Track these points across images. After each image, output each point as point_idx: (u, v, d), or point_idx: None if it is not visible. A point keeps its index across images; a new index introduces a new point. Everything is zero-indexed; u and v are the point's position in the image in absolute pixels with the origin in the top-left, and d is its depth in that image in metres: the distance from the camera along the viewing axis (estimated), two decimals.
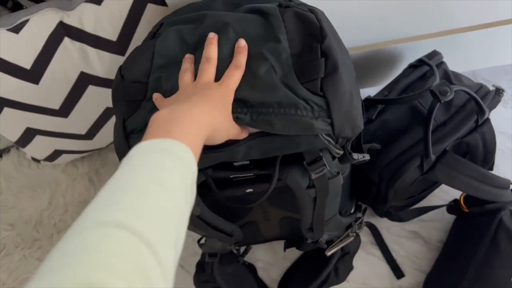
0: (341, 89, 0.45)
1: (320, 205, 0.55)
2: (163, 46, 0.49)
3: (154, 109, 0.46)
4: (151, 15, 0.72)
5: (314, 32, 0.46)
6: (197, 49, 0.48)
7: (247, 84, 0.45)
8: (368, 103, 0.70)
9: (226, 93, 0.44)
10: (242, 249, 0.82)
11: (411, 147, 0.64)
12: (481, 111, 0.63)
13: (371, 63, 0.82)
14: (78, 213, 0.96)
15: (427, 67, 0.70)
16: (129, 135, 0.48)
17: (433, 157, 0.62)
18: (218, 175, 0.51)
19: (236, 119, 0.45)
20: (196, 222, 0.55)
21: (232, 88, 0.45)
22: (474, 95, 0.62)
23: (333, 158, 0.51)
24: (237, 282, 0.81)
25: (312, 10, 0.48)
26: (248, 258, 0.90)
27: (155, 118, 0.38)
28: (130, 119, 0.48)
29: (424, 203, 0.86)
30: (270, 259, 0.91)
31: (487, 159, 0.71)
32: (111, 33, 0.72)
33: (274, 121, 0.44)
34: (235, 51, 0.46)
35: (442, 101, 0.58)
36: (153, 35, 0.54)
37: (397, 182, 0.64)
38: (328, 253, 0.72)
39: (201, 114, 0.39)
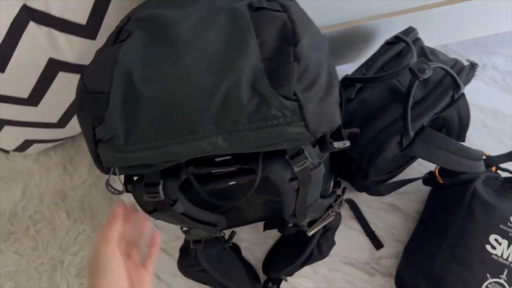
0: (315, 89, 0.44)
1: (302, 194, 0.56)
2: (126, 56, 0.46)
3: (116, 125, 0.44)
4: None
5: (287, 35, 0.44)
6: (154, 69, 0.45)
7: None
8: (347, 82, 0.70)
9: None
10: (227, 233, 0.83)
11: (391, 124, 0.65)
12: (457, 87, 0.65)
13: (347, 40, 0.82)
14: (54, 203, 0.94)
15: (404, 44, 0.70)
16: (97, 143, 0.46)
17: (412, 133, 0.63)
18: (200, 171, 0.51)
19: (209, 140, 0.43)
20: (179, 218, 0.55)
21: None
22: (451, 71, 0.63)
23: (313, 146, 0.51)
24: (222, 263, 0.81)
25: (285, 6, 0.46)
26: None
27: None
28: (98, 128, 0.45)
29: (401, 176, 0.88)
30: (254, 239, 0.92)
31: (462, 132, 0.73)
32: (80, 16, 0.69)
33: (247, 137, 0.43)
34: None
35: (421, 79, 0.59)
36: (119, 31, 0.51)
37: (378, 159, 0.65)
38: (310, 233, 0.74)
39: None
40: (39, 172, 0.96)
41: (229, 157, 0.50)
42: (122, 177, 0.53)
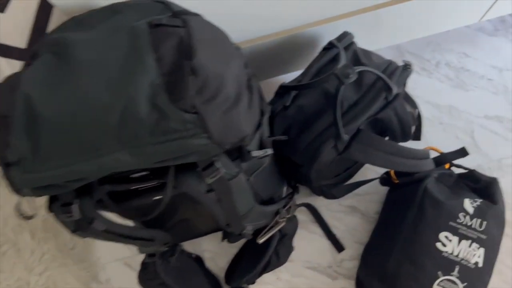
0: (217, 101, 0.45)
1: (227, 204, 0.56)
2: (27, 80, 0.47)
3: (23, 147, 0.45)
4: (59, 18, 0.70)
5: (183, 50, 0.45)
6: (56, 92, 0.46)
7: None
8: (283, 90, 0.71)
9: None
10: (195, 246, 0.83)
11: (325, 129, 0.66)
12: (388, 88, 0.65)
13: (292, 47, 0.82)
14: (18, 225, 0.95)
15: (337, 49, 0.71)
16: (8, 167, 0.46)
17: (346, 137, 0.63)
18: (117, 188, 0.51)
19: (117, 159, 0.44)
20: (105, 235, 0.55)
21: None
22: (379, 74, 0.64)
23: (234, 158, 0.52)
24: (182, 275, 0.82)
25: (185, 21, 0.47)
26: (194, 249, 0.92)
27: None
28: (6, 151, 0.46)
29: (358, 177, 0.89)
30: (217, 249, 0.92)
31: (405, 131, 0.73)
32: (19, 40, 0.70)
33: (150, 151, 0.44)
34: None
35: (345, 84, 0.59)
36: (33, 54, 0.52)
37: (315, 163, 0.66)
38: (260, 241, 0.74)
39: None
40: (2, 195, 0.97)
41: (146, 173, 0.51)
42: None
